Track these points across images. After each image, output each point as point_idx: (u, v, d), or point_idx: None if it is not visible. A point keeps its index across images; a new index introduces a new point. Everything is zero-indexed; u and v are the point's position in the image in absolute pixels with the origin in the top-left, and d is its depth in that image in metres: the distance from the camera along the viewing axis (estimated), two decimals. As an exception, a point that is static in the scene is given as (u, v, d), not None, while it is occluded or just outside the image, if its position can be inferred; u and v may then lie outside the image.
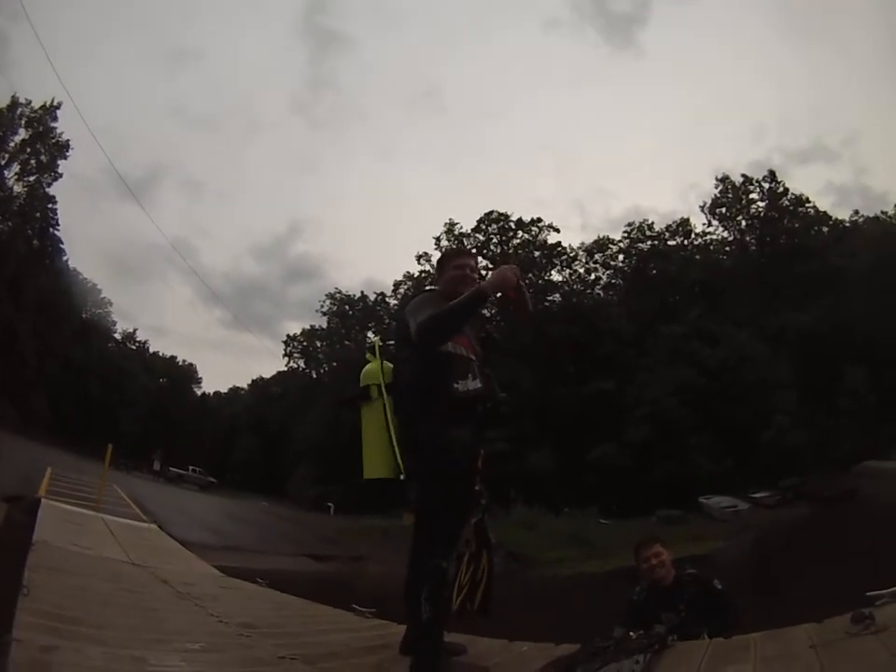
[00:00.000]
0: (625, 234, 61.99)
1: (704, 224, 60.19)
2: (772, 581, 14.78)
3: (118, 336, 69.99)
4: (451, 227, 61.05)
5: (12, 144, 48.65)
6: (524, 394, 41.91)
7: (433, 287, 3.30)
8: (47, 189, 50.96)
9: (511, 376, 40.13)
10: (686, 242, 60.88)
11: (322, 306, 73.13)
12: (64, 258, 54.91)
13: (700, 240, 60.55)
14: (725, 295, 50.97)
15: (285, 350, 75.01)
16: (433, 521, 2.78)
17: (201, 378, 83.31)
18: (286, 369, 76.46)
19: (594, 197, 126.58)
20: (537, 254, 60.05)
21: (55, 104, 48.60)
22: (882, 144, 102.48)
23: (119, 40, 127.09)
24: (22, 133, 49.30)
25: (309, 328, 76.08)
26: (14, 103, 48.27)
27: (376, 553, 25.62)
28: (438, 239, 60.73)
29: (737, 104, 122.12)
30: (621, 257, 61.95)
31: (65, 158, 51.05)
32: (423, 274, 60.37)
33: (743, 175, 58.62)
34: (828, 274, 44.80)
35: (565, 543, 28.29)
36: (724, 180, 59.08)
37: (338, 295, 73.24)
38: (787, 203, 56.06)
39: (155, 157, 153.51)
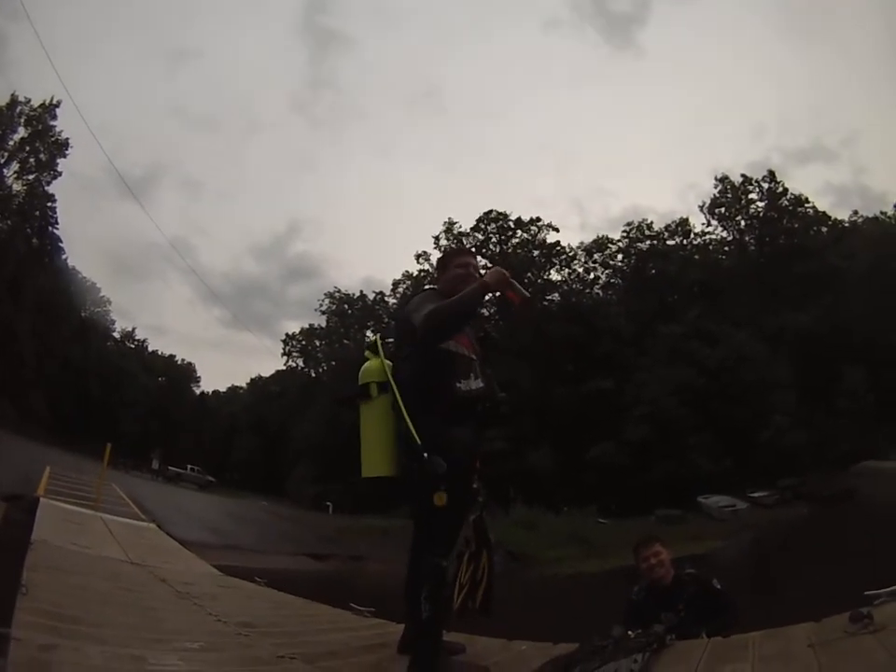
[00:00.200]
0: (624, 234, 62.02)
1: (703, 224, 60.24)
2: (770, 581, 14.82)
3: (116, 335, 70.01)
4: (450, 226, 61.06)
5: (11, 142, 48.60)
6: (523, 393, 41.91)
7: (433, 287, 3.29)
8: (46, 188, 50.96)
9: (510, 375, 40.14)
10: (685, 241, 60.86)
11: (321, 305, 73.11)
12: (64, 256, 54.98)
13: (699, 240, 60.55)
14: (724, 295, 50.95)
15: (283, 349, 75.03)
16: (432, 520, 2.77)
17: (199, 377, 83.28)
18: (284, 368, 76.48)
19: (593, 196, 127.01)
20: (536, 253, 60.01)
21: (54, 102, 48.62)
22: (881, 144, 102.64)
23: (118, 39, 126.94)
24: (22, 132, 49.28)
25: (308, 327, 76.03)
26: (13, 101, 48.22)
27: (375, 553, 25.64)
28: (437, 238, 60.79)
29: (737, 104, 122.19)
30: (620, 256, 61.90)
31: (65, 156, 51.07)
32: (422, 273, 60.39)
33: (742, 175, 58.68)
34: (827, 275, 44.84)
35: (564, 542, 28.31)
36: (724, 180, 59.11)
37: (337, 294, 73.20)
38: (786, 203, 56.05)
39: (154, 156, 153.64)
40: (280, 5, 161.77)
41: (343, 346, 68.07)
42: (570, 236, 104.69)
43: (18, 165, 49.12)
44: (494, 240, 60.52)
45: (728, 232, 59.55)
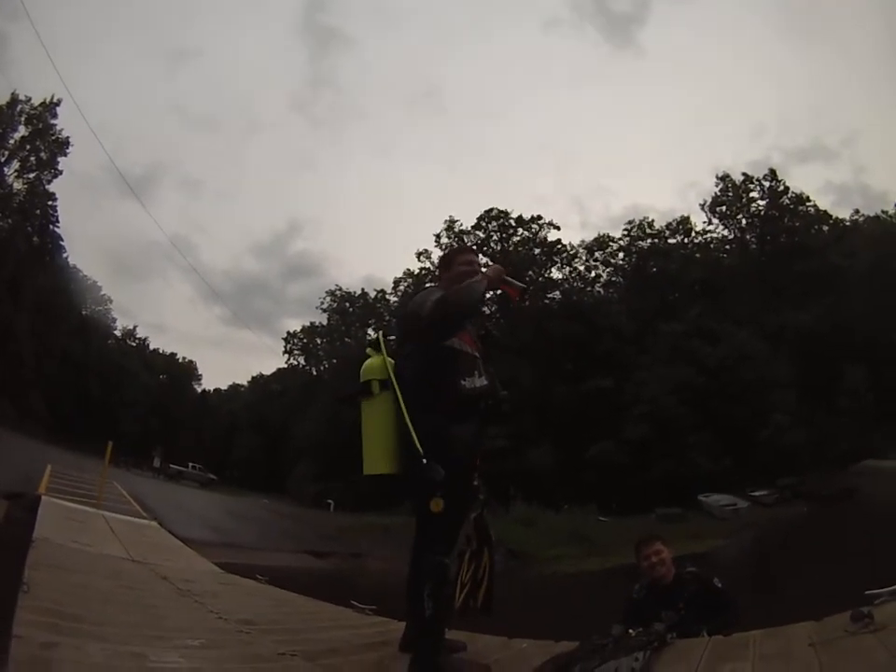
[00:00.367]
0: (625, 232, 62.10)
1: (704, 222, 60.16)
2: (771, 580, 14.80)
3: (117, 333, 70.07)
4: (451, 224, 61.03)
5: (12, 141, 48.59)
6: (523, 391, 41.92)
7: (434, 285, 3.30)
8: (46, 186, 50.98)
9: (511, 373, 40.16)
10: (686, 240, 60.85)
11: (322, 303, 73.28)
12: (64, 255, 55.07)
13: (700, 238, 60.53)
14: (725, 293, 50.88)
15: (285, 347, 75.22)
16: (434, 518, 2.77)
17: (201, 375, 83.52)
18: (286, 366, 76.70)
19: (594, 195, 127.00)
20: (537, 251, 60.00)
21: (55, 100, 48.62)
22: (881, 143, 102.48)
23: (118, 38, 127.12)
24: (22, 130, 49.27)
25: (309, 325, 76.24)
26: (14, 100, 48.17)
27: (376, 550, 25.68)
28: (438, 236, 60.82)
29: (737, 103, 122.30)
30: (621, 254, 61.96)
31: (65, 155, 51.05)
32: (423, 272, 60.37)
33: (743, 174, 58.56)
34: (828, 273, 44.77)
35: (564, 541, 28.29)
36: (725, 178, 59.03)
37: (338, 292, 73.31)
38: (787, 201, 55.94)
39: (155, 155, 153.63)
40: (280, 4, 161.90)
41: (345, 344, 68.13)
42: (571, 235, 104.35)
43: (18, 164, 49.14)
44: (495, 238, 60.52)
45: (729, 231, 59.54)
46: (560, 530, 29.92)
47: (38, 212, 50.55)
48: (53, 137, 50.05)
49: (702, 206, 60.22)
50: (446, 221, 61.09)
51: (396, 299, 65.65)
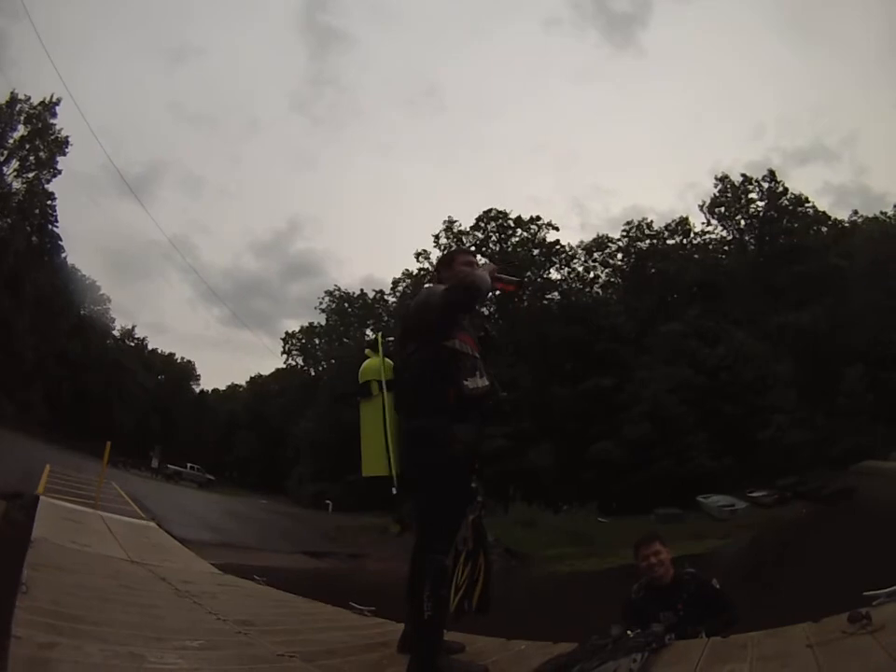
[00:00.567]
0: (624, 233, 62.13)
1: (703, 223, 60.35)
2: (769, 580, 14.81)
3: (116, 333, 69.70)
4: (450, 224, 61.01)
5: (11, 140, 48.51)
6: (523, 391, 41.96)
7: (432, 285, 3.30)
8: (45, 186, 50.92)
9: (510, 374, 40.19)
10: (685, 241, 60.93)
11: (321, 303, 73.34)
12: (63, 254, 54.94)
13: (699, 239, 60.66)
14: (724, 294, 50.96)
15: (283, 347, 75.28)
16: (434, 518, 2.78)
17: (199, 375, 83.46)
18: (284, 366, 76.79)
19: (592, 196, 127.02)
20: (536, 252, 59.95)
21: (54, 100, 48.60)
22: (881, 144, 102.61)
23: (118, 37, 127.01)
24: (21, 130, 49.21)
25: (308, 325, 76.31)
26: (13, 99, 48.11)
27: (374, 551, 25.66)
28: (437, 237, 60.78)
29: (736, 104, 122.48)
30: (619, 255, 61.99)
31: (64, 154, 50.99)
32: (422, 272, 60.29)
33: (742, 175, 58.75)
34: (827, 274, 44.81)
35: (563, 541, 28.28)
36: (724, 179, 59.17)
37: (337, 292, 73.37)
38: (786, 202, 56.03)
39: (154, 154, 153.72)
40: (280, 3, 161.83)
41: (343, 345, 68.05)
42: (570, 235, 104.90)
43: (17, 163, 49.06)
44: (493, 238, 60.47)
45: (728, 232, 59.67)
46: (559, 530, 29.94)
47: (37, 211, 50.45)
48: (52, 137, 50.00)
49: (701, 207, 60.49)
50: (445, 222, 61.17)
51: (394, 299, 65.66)
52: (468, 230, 60.57)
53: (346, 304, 72.56)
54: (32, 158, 49.72)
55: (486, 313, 57.21)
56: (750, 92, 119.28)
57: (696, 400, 39.54)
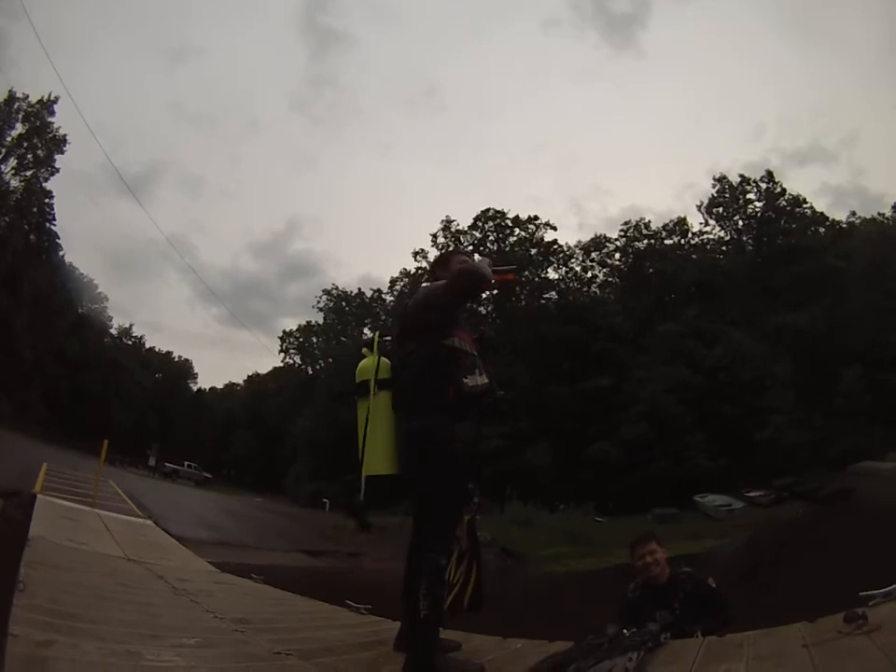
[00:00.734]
0: (622, 233, 62.16)
1: (701, 224, 60.42)
2: (766, 580, 14.83)
3: (114, 331, 69.69)
4: (448, 224, 61.05)
5: (9, 138, 48.49)
6: (520, 391, 41.98)
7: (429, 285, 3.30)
8: (44, 184, 50.83)
9: (507, 374, 40.20)
10: (683, 241, 60.97)
11: (319, 302, 73.36)
12: (61, 253, 54.85)
13: (697, 239, 60.73)
14: (722, 294, 50.99)
15: (281, 346, 75.29)
16: (432, 516, 2.79)
17: (197, 374, 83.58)
18: (282, 365, 76.83)
19: (591, 196, 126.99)
20: (533, 251, 59.97)
21: (52, 98, 48.55)
22: (880, 145, 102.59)
23: (117, 37, 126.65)
24: (19, 128, 49.18)
25: (305, 324, 76.34)
26: (11, 97, 48.10)
27: (371, 550, 25.66)
28: (434, 236, 60.82)
29: (736, 104, 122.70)
30: (617, 255, 62.00)
31: (62, 153, 50.96)
32: (419, 271, 60.23)
33: (740, 175, 58.81)
34: (825, 275, 44.85)
35: (560, 540, 28.30)
36: (721, 180, 59.24)
37: (335, 291, 73.38)
38: (784, 203, 56.07)
39: (153, 153, 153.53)
40: (280, 3, 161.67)
41: (341, 343, 68.03)
42: (568, 235, 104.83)
43: (15, 161, 49.00)
44: (491, 238, 60.45)
45: (726, 232, 59.75)
46: (556, 530, 29.97)
47: (35, 210, 50.37)
48: (50, 135, 49.96)
49: (699, 208, 60.55)
50: (443, 221, 61.23)
51: (392, 298, 65.67)
52: (465, 229, 60.68)
53: (344, 303, 72.57)
54: (30, 156, 49.69)
55: (483, 312, 57.34)
56: (750, 93, 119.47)
57: (694, 401, 39.56)
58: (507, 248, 58.54)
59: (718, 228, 59.75)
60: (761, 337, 43.24)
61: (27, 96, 48.98)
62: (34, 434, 34.18)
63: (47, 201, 50.96)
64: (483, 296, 56.99)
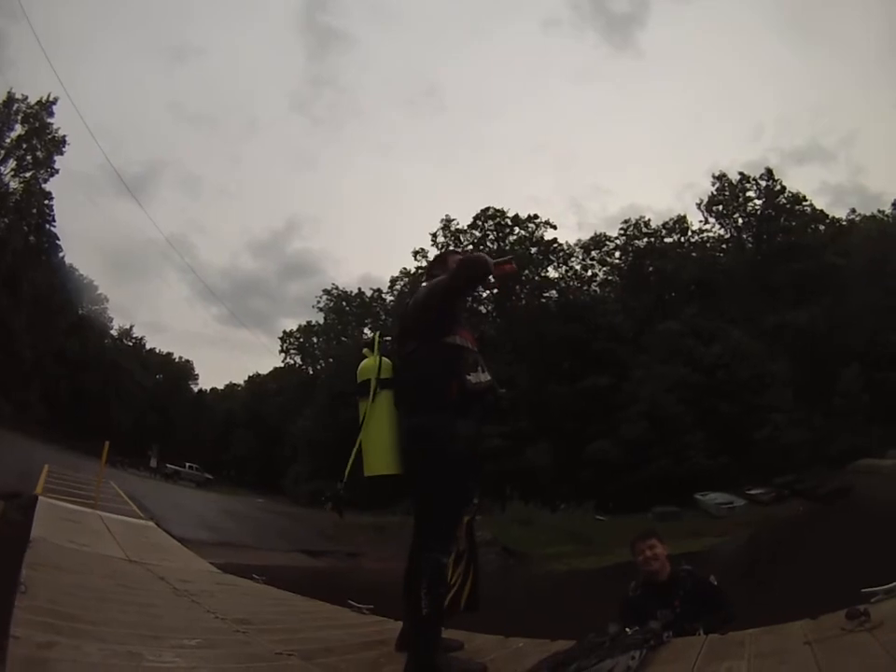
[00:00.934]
0: (622, 231, 62.03)
1: (700, 222, 60.29)
2: (766, 578, 14.83)
3: (114, 332, 69.58)
4: (447, 223, 60.95)
5: (8, 140, 48.41)
6: (520, 390, 41.94)
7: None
8: (43, 185, 50.75)
9: (507, 373, 40.17)
10: (682, 239, 60.88)
11: (319, 302, 73.17)
12: (61, 254, 54.76)
13: (697, 237, 60.60)
14: (721, 292, 50.97)
15: (281, 346, 75.22)
16: (433, 515, 2.78)
17: (197, 374, 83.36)
18: (282, 365, 76.74)
19: (591, 195, 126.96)
20: (533, 250, 59.89)
21: (51, 99, 48.48)
22: (879, 144, 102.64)
23: (116, 37, 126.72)
24: (19, 129, 49.09)
25: (305, 324, 76.20)
26: (10, 98, 48.00)
27: (372, 549, 25.70)
28: (434, 235, 60.73)
29: (736, 104, 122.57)
30: (617, 254, 61.91)
31: (62, 154, 50.87)
32: (419, 271, 60.08)
33: (740, 173, 58.72)
34: (824, 273, 44.85)
35: (561, 539, 28.31)
36: (721, 178, 59.16)
37: (335, 291, 73.24)
38: (783, 200, 56.01)
39: (153, 153, 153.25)
40: (280, 3, 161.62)
41: (341, 343, 68.02)
42: (568, 234, 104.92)
43: (15, 163, 48.91)
44: (491, 237, 60.36)
45: (725, 230, 59.67)
46: (557, 529, 29.98)
47: (35, 211, 50.31)
48: (50, 136, 49.89)
49: (698, 206, 60.44)
50: (443, 220, 61.07)
51: (392, 298, 65.62)
52: (465, 228, 60.60)
53: (344, 303, 72.47)
54: (29, 157, 49.60)
55: (484, 311, 57.37)
56: (750, 92, 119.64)
57: (693, 399, 39.53)
58: (506, 247, 58.47)
59: (717, 226, 59.76)
60: (760, 335, 43.22)
61: (26, 97, 48.98)
62: (34, 434, 34.17)
63: (46, 202, 50.90)
64: (484, 295, 57.16)
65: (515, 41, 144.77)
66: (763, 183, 57.08)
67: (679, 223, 60.93)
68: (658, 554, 4.12)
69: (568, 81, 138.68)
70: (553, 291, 58.64)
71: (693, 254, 58.58)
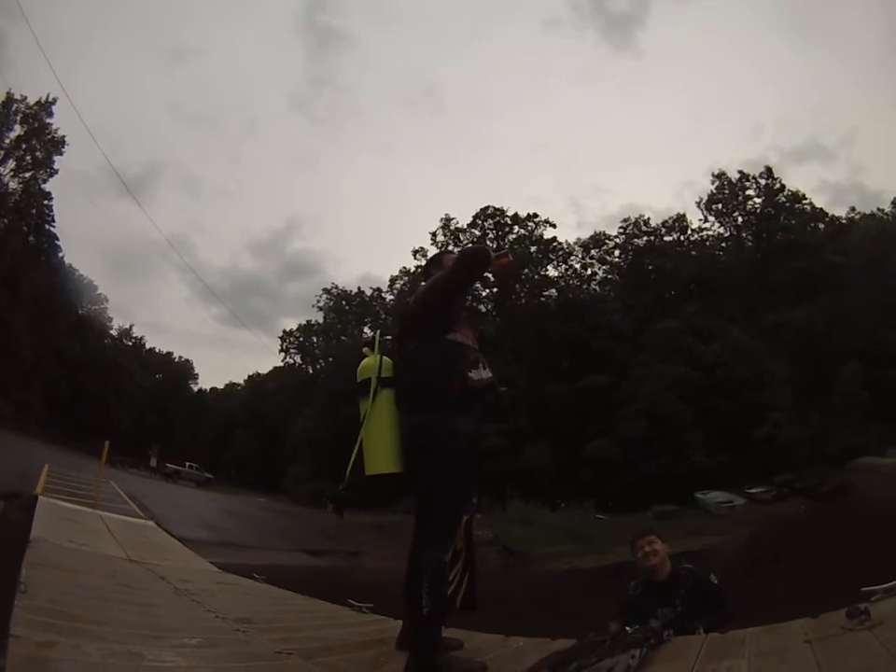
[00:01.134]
0: (621, 230, 62.01)
1: (700, 220, 60.33)
2: (767, 576, 14.83)
3: (114, 332, 69.64)
4: (447, 222, 60.93)
5: (8, 140, 48.43)
6: (519, 389, 41.95)
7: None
8: (42, 186, 50.77)
9: (507, 371, 40.18)
10: (682, 238, 60.86)
11: (318, 302, 73.19)
12: (60, 254, 54.82)
13: (696, 236, 60.59)
14: (721, 291, 50.97)
15: (281, 346, 75.24)
16: (434, 513, 2.78)
17: (197, 374, 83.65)
18: (282, 364, 76.75)
19: (590, 195, 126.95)
20: (533, 249, 59.89)
21: (50, 99, 48.48)
22: (879, 143, 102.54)
23: (116, 37, 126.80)
24: (18, 129, 49.10)
25: (305, 323, 76.22)
26: (9, 98, 48.03)
27: (373, 549, 25.68)
28: (434, 234, 60.77)
29: (736, 103, 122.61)
30: (617, 252, 61.89)
31: (61, 154, 50.91)
32: (419, 270, 60.06)
33: (739, 172, 58.70)
34: (824, 271, 44.82)
35: (561, 538, 28.33)
36: (720, 176, 59.14)
37: (334, 290, 73.25)
38: (783, 199, 56.00)
39: (153, 154, 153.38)
40: (280, 3, 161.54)
41: (341, 342, 68.00)
42: (567, 233, 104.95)
43: (14, 163, 48.92)
44: (491, 236, 60.29)
45: (725, 229, 59.67)
46: (557, 528, 30.00)
47: (34, 211, 50.32)
48: (49, 136, 49.91)
49: (698, 204, 60.44)
50: (442, 219, 61.08)
51: (392, 297, 65.58)
52: (465, 227, 60.56)
53: (344, 302, 72.44)
54: (28, 158, 49.61)
55: (484, 310, 57.38)
56: (749, 92, 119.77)
57: (693, 398, 39.55)
58: (506, 246, 58.44)
59: (717, 224, 59.76)
60: (759, 333, 43.21)
61: (25, 97, 49.02)
62: (34, 434, 34.16)
63: (46, 202, 50.94)
64: (483, 294, 57.15)
65: (515, 41, 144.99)
66: (763, 181, 57.13)
67: (679, 222, 60.97)
68: (657, 550, 4.11)
69: (568, 81, 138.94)
70: (553, 290, 58.65)
71: (693, 252, 58.60)
